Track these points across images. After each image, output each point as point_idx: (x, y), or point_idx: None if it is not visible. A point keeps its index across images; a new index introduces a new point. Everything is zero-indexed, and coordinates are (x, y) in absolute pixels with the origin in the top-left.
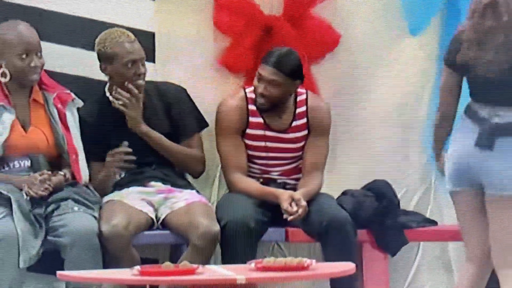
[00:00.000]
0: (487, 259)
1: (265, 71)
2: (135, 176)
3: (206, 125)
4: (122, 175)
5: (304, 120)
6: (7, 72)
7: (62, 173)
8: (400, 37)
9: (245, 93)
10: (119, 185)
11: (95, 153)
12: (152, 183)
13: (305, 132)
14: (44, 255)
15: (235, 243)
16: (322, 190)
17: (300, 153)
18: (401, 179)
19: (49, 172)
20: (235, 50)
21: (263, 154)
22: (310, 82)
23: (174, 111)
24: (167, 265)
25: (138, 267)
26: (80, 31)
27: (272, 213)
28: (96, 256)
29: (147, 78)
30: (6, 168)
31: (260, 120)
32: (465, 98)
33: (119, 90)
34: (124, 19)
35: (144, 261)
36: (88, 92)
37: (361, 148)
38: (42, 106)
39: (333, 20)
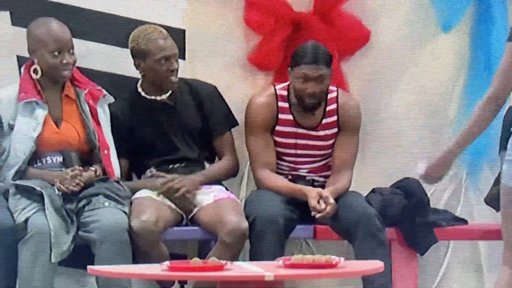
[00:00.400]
0: None
1: (310, 69)
2: (165, 173)
3: (237, 123)
4: (153, 172)
5: (334, 118)
6: (38, 69)
7: (93, 168)
8: (431, 34)
9: (275, 90)
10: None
11: (124, 150)
12: None
13: (335, 129)
14: (75, 250)
15: (263, 240)
16: (351, 188)
17: (330, 150)
18: None
19: (81, 168)
20: (265, 47)
21: (292, 151)
22: (340, 79)
23: (206, 109)
24: (196, 261)
25: (167, 263)
26: (112, 29)
27: (300, 210)
28: (126, 252)
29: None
30: (39, 164)
31: (290, 117)
32: None
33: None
34: (155, 16)
35: (172, 256)
36: (120, 89)
37: (390, 146)
38: (74, 101)
39: (363, 17)
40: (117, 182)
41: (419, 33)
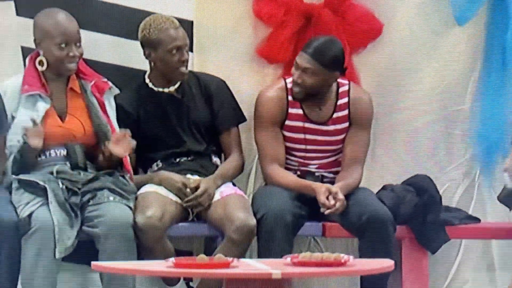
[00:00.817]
0: None
1: (301, 58)
2: (172, 168)
3: (244, 119)
4: (160, 166)
5: (345, 112)
6: (44, 60)
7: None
8: (445, 27)
9: (285, 83)
10: None
11: None
12: (188, 175)
13: (346, 124)
14: (78, 245)
15: (271, 236)
16: (362, 185)
17: (340, 146)
18: (443, 174)
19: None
20: (275, 40)
21: (302, 147)
22: (351, 72)
23: (214, 103)
24: (202, 257)
25: (172, 259)
26: (119, 20)
27: (309, 207)
28: (130, 247)
29: None
30: (42, 157)
31: (300, 111)
32: None
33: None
34: (163, 7)
35: (178, 252)
36: (127, 81)
37: (402, 142)
38: (79, 95)
39: (376, 9)
40: (122, 176)
41: (433, 26)
